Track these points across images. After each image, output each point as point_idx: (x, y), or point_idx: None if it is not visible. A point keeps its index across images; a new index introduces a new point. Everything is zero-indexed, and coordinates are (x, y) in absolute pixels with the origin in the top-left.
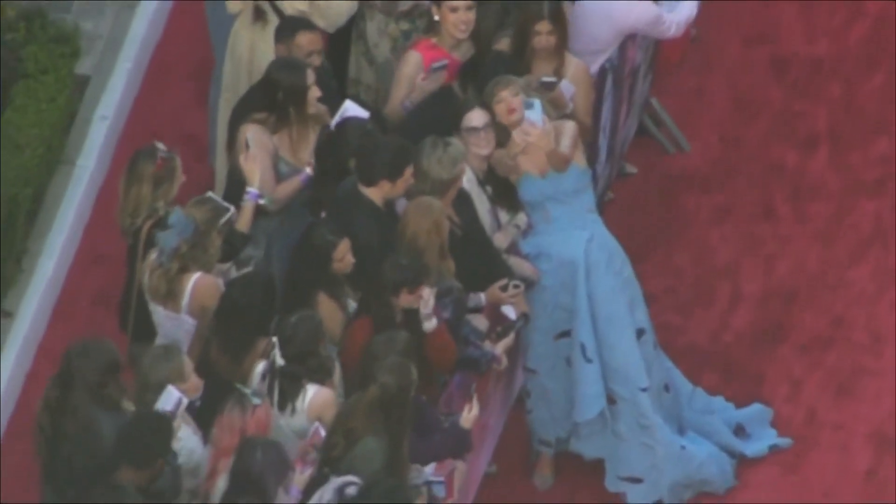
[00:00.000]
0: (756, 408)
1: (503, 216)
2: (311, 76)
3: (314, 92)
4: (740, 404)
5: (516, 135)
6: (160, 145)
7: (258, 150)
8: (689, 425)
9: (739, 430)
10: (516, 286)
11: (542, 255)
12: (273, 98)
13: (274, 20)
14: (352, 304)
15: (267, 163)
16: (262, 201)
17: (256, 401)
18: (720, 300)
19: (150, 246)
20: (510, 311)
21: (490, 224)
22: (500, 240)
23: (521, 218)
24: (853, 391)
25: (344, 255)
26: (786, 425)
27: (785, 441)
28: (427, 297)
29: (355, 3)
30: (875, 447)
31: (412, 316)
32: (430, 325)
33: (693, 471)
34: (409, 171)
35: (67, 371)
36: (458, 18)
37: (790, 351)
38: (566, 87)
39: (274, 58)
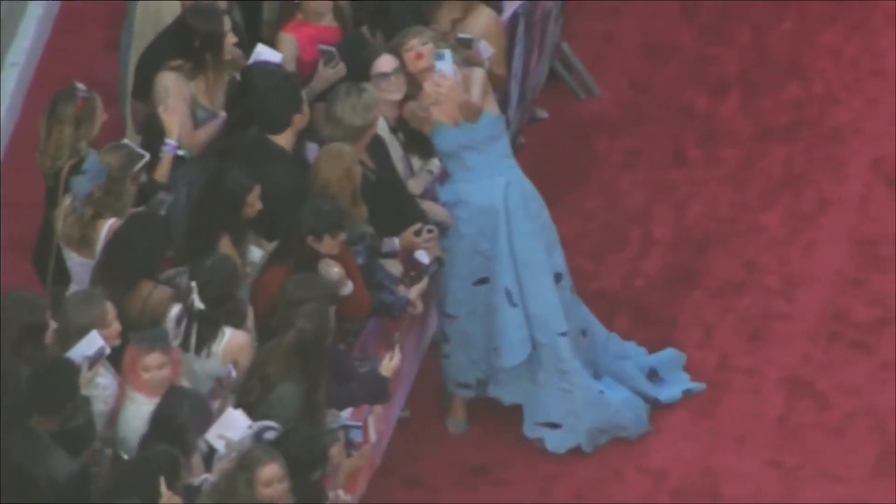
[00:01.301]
0: (669, 352)
1: (416, 163)
2: (227, 23)
3: (230, 38)
4: (653, 349)
5: (427, 86)
6: (80, 85)
7: (176, 98)
8: (605, 370)
9: (653, 375)
10: (430, 231)
11: (461, 203)
12: (189, 45)
13: None
14: (254, 251)
15: (185, 110)
16: (180, 152)
17: (135, 337)
18: (631, 245)
19: (70, 186)
20: (423, 256)
21: (403, 171)
22: (414, 186)
23: (434, 163)
24: (765, 336)
25: (255, 201)
26: (698, 370)
27: (698, 386)
28: (335, 270)
29: None
30: (787, 392)
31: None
32: (346, 290)
33: (610, 416)
34: (303, 93)
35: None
36: (319, 2)
37: (702, 296)
38: (484, 48)
39: (180, 5)
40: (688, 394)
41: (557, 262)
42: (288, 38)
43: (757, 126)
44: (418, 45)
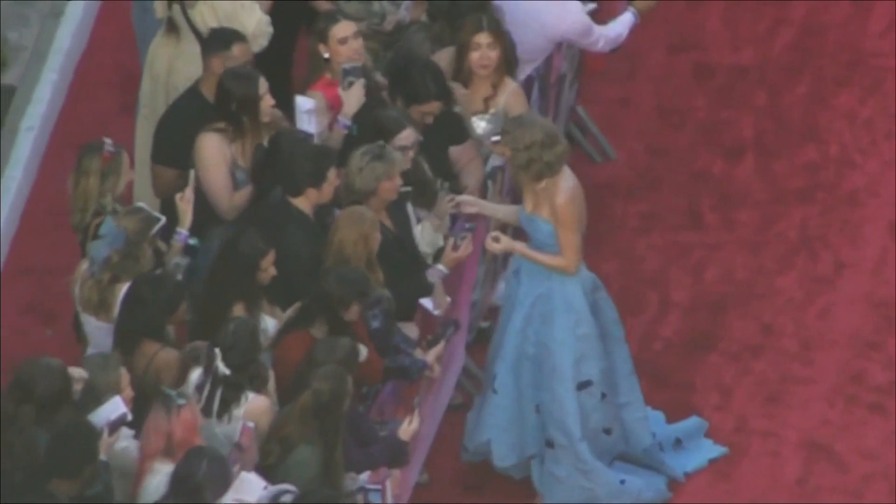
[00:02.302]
0: (693, 421)
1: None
2: (263, 85)
3: (267, 101)
4: (671, 413)
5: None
6: (108, 140)
7: (216, 160)
8: (630, 459)
9: (677, 443)
10: (462, 237)
11: (515, 272)
12: (227, 108)
13: (188, 35)
14: (267, 321)
15: (225, 172)
16: (191, 242)
17: (181, 401)
18: (649, 308)
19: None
20: (429, 304)
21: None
22: (435, 221)
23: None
24: (783, 399)
25: (269, 266)
26: (716, 433)
27: (721, 450)
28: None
29: (265, 18)
30: (805, 455)
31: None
32: (361, 356)
33: (633, 499)
34: (332, 173)
35: (24, 388)
36: (349, 48)
37: (720, 359)
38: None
39: (200, 73)
40: (713, 461)
41: (588, 371)
42: (316, 95)
43: (772, 189)
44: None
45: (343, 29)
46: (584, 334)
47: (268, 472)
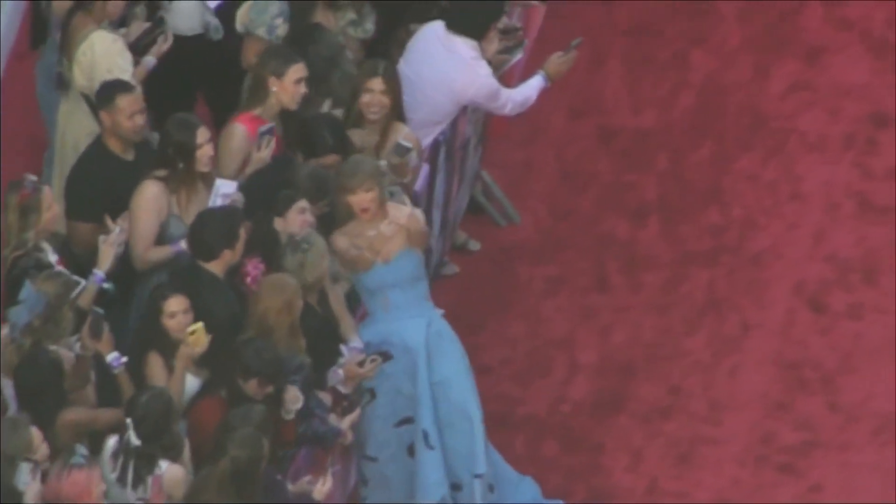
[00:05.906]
0: None
1: None
2: (203, 135)
3: (206, 151)
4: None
5: (385, 227)
6: (30, 177)
7: (148, 208)
8: None
9: None
10: (373, 360)
11: (385, 343)
12: (164, 152)
13: (75, 88)
14: (189, 380)
15: (151, 222)
16: (105, 286)
17: (78, 461)
18: (557, 370)
19: (14, 276)
20: (342, 386)
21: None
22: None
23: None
24: (693, 459)
25: (175, 313)
26: (628, 495)
27: None
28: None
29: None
30: None
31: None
32: (288, 416)
33: None
34: (242, 231)
35: None
36: (298, 91)
37: (629, 420)
38: (413, 158)
39: (89, 129)
40: None
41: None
42: (238, 128)
43: (678, 251)
44: (363, 193)
45: (301, 70)
46: (468, 365)
47: None
